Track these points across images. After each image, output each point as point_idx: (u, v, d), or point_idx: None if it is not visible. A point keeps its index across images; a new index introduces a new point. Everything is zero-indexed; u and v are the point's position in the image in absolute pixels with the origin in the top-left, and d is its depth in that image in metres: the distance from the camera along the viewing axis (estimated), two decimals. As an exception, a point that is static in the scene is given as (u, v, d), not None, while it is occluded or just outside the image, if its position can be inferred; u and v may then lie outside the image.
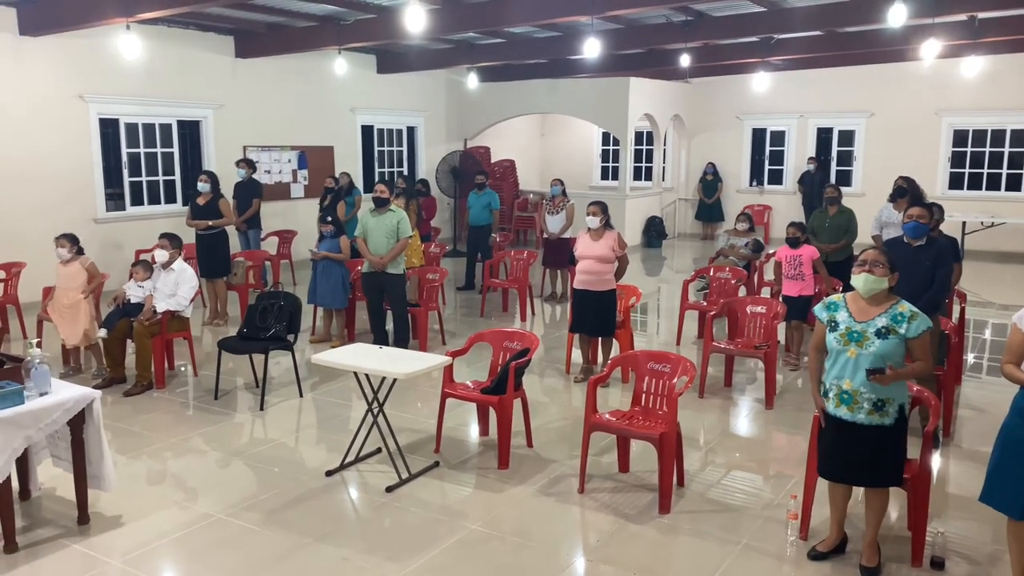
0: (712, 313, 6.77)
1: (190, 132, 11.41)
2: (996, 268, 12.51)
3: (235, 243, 10.28)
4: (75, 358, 6.98)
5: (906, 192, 7.67)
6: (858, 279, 3.78)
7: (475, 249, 10.88)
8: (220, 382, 6.53)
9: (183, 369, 7.17)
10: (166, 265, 6.76)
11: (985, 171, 14.33)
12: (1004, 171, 14.18)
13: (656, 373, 4.82)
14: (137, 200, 10.83)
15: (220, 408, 6.26)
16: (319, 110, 13.04)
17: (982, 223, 13.17)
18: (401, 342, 7.46)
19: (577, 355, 7.12)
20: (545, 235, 10.10)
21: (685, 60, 11.93)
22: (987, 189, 14.27)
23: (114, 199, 10.57)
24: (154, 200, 11.03)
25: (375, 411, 4.94)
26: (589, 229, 6.65)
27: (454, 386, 5.38)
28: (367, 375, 4.87)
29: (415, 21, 6.62)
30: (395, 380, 4.79)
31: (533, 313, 9.61)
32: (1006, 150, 14.13)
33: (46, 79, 9.53)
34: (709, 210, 16.36)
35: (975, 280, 10.46)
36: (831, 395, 3.83)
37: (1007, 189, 14.16)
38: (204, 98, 11.31)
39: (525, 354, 5.25)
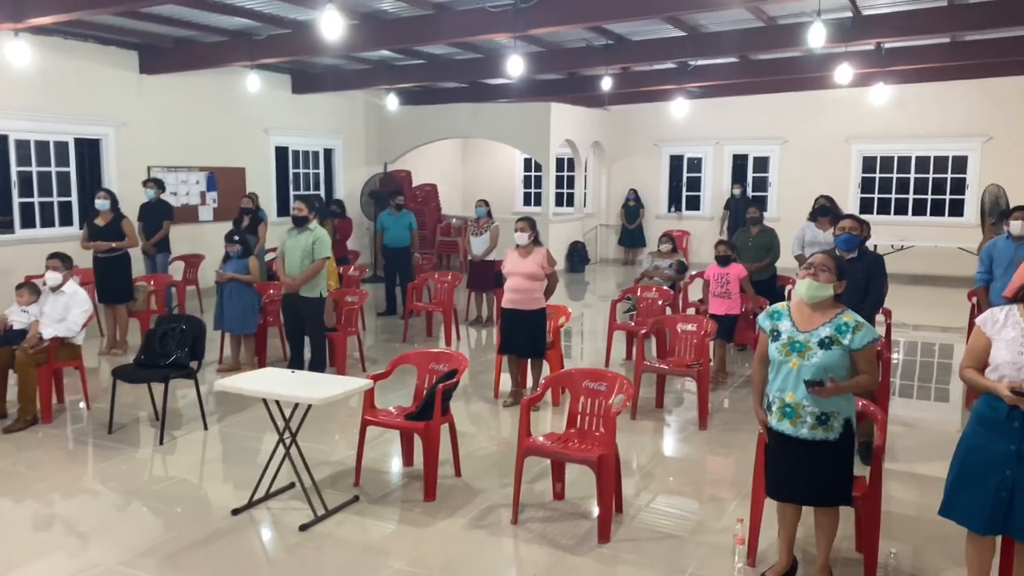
0: (643, 332, 6.59)
1: (89, 151, 10.70)
2: (906, 289, 12.86)
3: (139, 267, 9.62)
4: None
5: (829, 210, 7.72)
6: (802, 285, 3.62)
7: (394, 271, 10.50)
8: (115, 414, 5.95)
9: (79, 406, 6.51)
10: (56, 288, 6.16)
11: (893, 196, 14.81)
12: (911, 196, 14.68)
13: (592, 392, 4.56)
14: (28, 222, 10.04)
15: (115, 443, 5.69)
16: (230, 130, 12.48)
17: (892, 246, 13.56)
18: (318, 369, 7.01)
19: (506, 379, 6.82)
20: (470, 257, 9.82)
21: (606, 83, 11.93)
22: (895, 214, 14.74)
23: (1, 221, 9.77)
24: (47, 223, 10.25)
25: (287, 442, 4.51)
26: (517, 246, 6.40)
27: (375, 412, 5.00)
28: (278, 402, 4.45)
29: (331, 28, 6.28)
30: (309, 407, 4.38)
31: (459, 338, 9.27)
32: (912, 176, 14.65)
33: (-76, 90, 8.76)
34: (631, 235, 16.40)
35: (888, 301, 10.67)
36: (774, 408, 3.64)
37: (914, 214, 14.65)
38: (105, 115, 10.64)
39: (453, 376, 4.92)
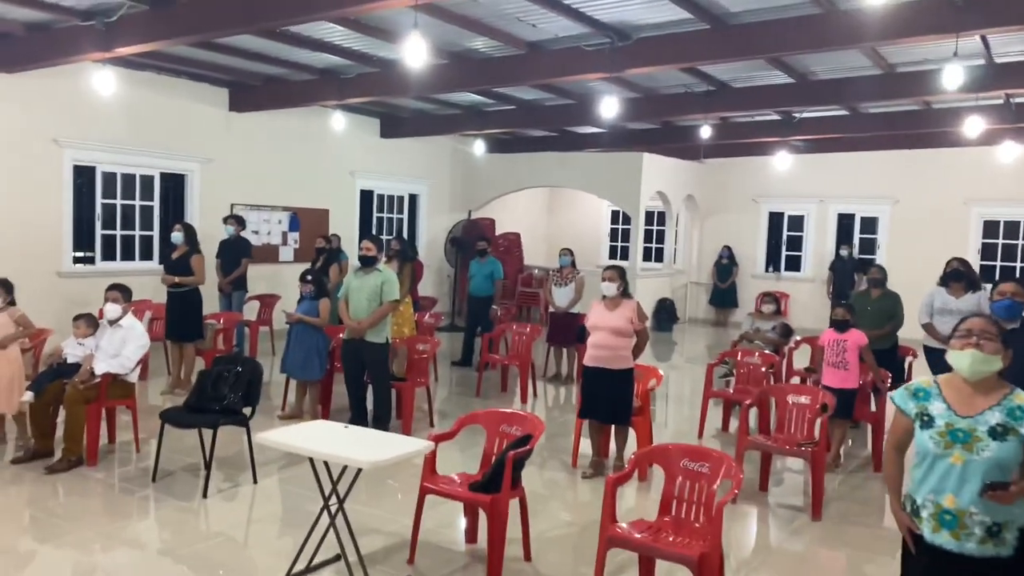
0: (748, 402, 5.79)
1: (174, 186, 10.66)
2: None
3: (214, 304, 9.38)
4: (21, 425, 5.95)
5: (963, 275, 6.80)
6: (961, 357, 2.84)
7: (475, 321, 9.96)
8: (163, 460, 5.51)
9: (129, 447, 6.12)
10: (114, 321, 5.83)
11: (1018, 264, 13.51)
12: (1040, 265, 13.37)
13: (692, 474, 3.82)
14: (109, 255, 9.98)
15: (160, 492, 5.24)
16: (316, 171, 12.33)
17: (1019, 319, 12.26)
18: (381, 422, 6.47)
19: (586, 445, 6.11)
20: (551, 309, 9.20)
21: (704, 132, 11.28)
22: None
23: (84, 252, 9.72)
24: (128, 255, 10.17)
25: (333, 509, 3.92)
26: (604, 297, 5.75)
27: (436, 479, 4.37)
28: (325, 462, 3.88)
29: (415, 57, 5.87)
30: (359, 470, 3.79)
31: (535, 395, 8.61)
32: (1041, 243, 13.35)
33: (19, 119, 8.81)
34: (723, 295, 15.50)
35: None
36: (925, 515, 2.84)
37: (1043, 284, 13.29)
38: (192, 151, 10.60)
39: (526, 442, 4.26)
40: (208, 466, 5.25)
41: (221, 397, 5.30)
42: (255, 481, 5.43)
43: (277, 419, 7.04)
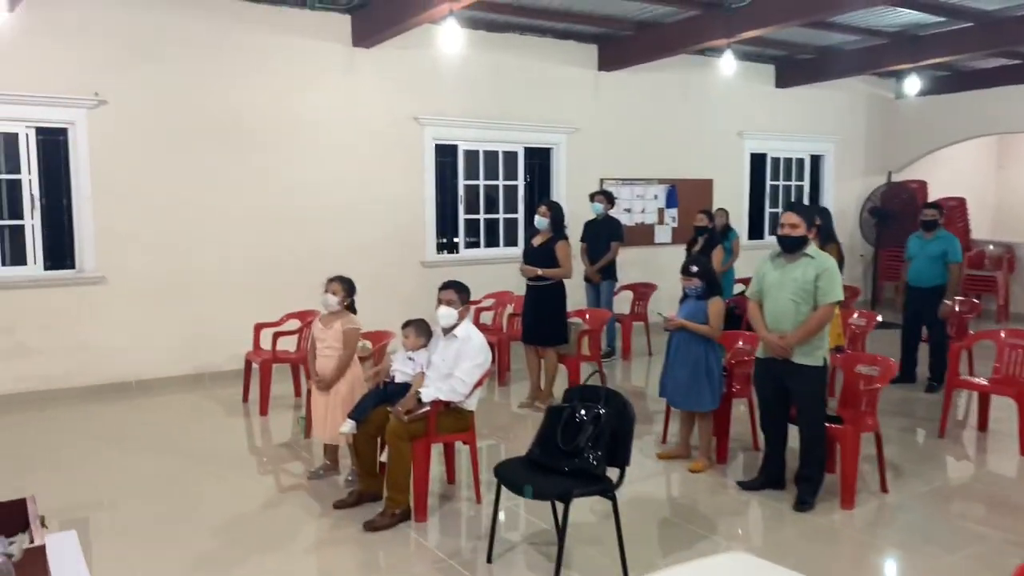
0: None
1: (539, 161, 9.45)
2: None
3: (579, 297, 7.95)
4: (332, 453, 4.98)
5: None
6: None
7: (916, 321, 7.19)
8: (502, 527, 4.01)
9: (468, 491, 4.76)
10: (449, 329, 4.46)
11: None
12: None
13: None
14: (472, 240, 9.08)
15: (496, 576, 3.72)
16: (697, 134, 10.34)
17: None
18: (810, 483, 4.33)
19: None
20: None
21: None
22: None
23: (446, 238, 8.91)
24: (492, 241, 9.19)
25: None
26: None
27: None
28: None
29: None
30: None
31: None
32: None
33: (379, 98, 8.15)
34: None
35: None
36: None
37: None
38: (559, 120, 9.28)
39: None
40: (558, 553, 3.57)
41: (576, 451, 3.59)
42: (625, 574, 3.64)
43: (656, 457, 5.24)
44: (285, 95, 7.64)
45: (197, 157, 7.25)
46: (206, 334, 7.34)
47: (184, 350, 7.29)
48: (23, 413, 6.35)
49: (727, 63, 8.31)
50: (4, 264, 6.68)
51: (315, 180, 7.83)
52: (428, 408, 4.25)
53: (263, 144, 7.56)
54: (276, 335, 6.50)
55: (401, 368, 4.60)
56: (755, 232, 11.11)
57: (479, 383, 4.41)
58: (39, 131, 6.70)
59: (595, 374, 4.15)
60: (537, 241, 6.43)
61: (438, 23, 7.88)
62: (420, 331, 4.64)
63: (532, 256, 6.39)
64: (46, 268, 6.83)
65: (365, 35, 7.81)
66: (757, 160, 11.13)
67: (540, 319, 6.36)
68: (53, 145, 6.78)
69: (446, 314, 4.47)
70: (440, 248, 8.80)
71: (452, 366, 4.38)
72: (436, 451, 4.45)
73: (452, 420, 4.39)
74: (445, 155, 8.75)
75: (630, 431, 3.61)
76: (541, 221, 6.39)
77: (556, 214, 6.41)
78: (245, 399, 6.68)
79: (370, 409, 4.44)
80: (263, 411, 6.31)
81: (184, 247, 7.25)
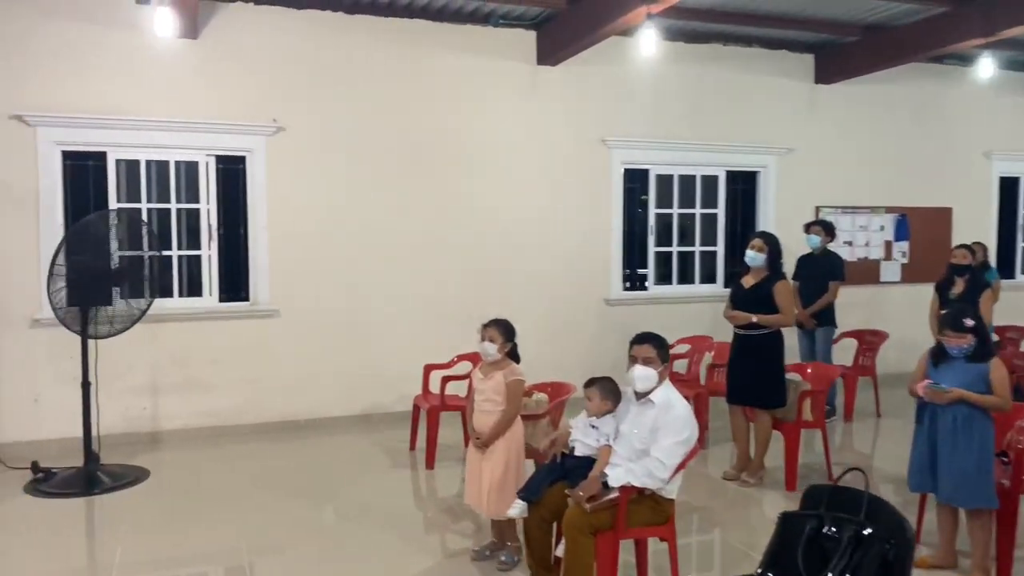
0: None
1: (743, 187, 8.35)
2: None
3: (789, 344, 6.75)
4: (498, 529, 4.20)
5: None
6: None
7: None
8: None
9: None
10: (643, 394, 3.57)
11: None
12: None
13: None
14: (663, 276, 8.10)
15: None
16: (933, 155, 8.79)
17: None
18: None
19: None
20: None
21: None
22: None
23: (631, 272, 8.00)
24: (686, 277, 8.17)
25: None
26: None
27: None
28: None
29: None
30: None
31: None
32: None
33: (563, 119, 7.44)
34: None
35: None
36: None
37: None
38: (767, 140, 8.15)
39: None
40: None
41: (824, 585, 2.56)
42: None
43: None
44: (464, 119, 7.12)
45: (372, 186, 6.86)
46: (376, 373, 6.88)
47: (354, 389, 6.87)
48: (191, 451, 6.13)
49: (984, 69, 6.86)
50: (180, 295, 6.55)
51: (492, 209, 7.23)
52: (616, 495, 3.37)
53: (440, 172, 7.06)
54: (445, 379, 5.88)
55: (582, 438, 3.74)
56: (1004, 270, 9.31)
57: (682, 465, 3.47)
58: (219, 159, 6.55)
59: (852, 472, 3.01)
60: (749, 281, 5.38)
61: (630, 35, 7.13)
62: (606, 393, 3.76)
63: (744, 299, 5.34)
64: (221, 300, 6.65)
65: (551, 52, 7.15)
66: (1008, 185, 9.35)
67: (752, 375, 5.28)
68: (232, 174, 6.62)
69: (643, 376, 3.58)
70: (627, 284, 7.91)
71: (648, 441, 3.47)
72: (626, 547, 3.56)
73: (647, 510, 3.47)
74: (634, 180, 7.89)
75: (907, 563, 2.54)
76: (755, 257, 5.34)
77: (773, 249, 5.35)
78: (412, 446, 6.11)
79: (544, 487, 3.62)
80: (429, 463, 5.69)
81: (356, 280, 6.86)
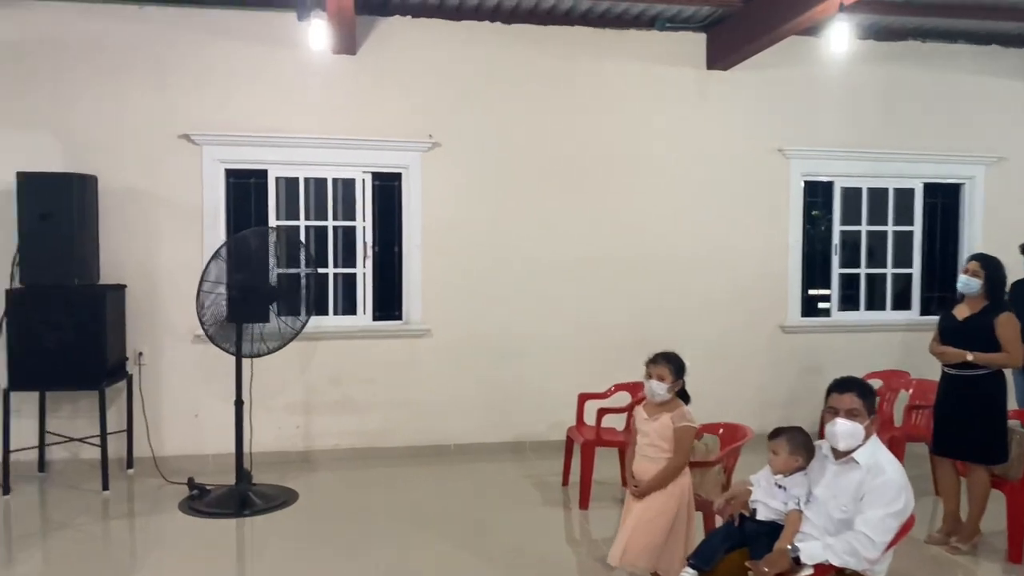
0: None
1: (943, 201, 7.35)
2: None
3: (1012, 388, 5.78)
4: (655, 588, 3.70)
5: None
6: None
7: None
8: None
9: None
10: (845, 454, 2.96)
11: None
12: None
13: None
14: (848, 300, 7.25)
15: None
16: None
17: None
18: None
19: None
20: None
21: None
22: None
23: (812, 296, 7.22)
24: (875, 303, 7.27)
25: None
26: None
27: None
28: None
29: None
30: None
31: None
32: None
33: (735, 128, 6.81)
34: None
35: None
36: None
37: None
38: (974, 148, 7.14)
39: None
40: None
41: None
42: None
43: None
44: (626, 130, 6.67)
45: (527, 202, 6.54)
46: (528, 398, 6.53)
47: (504, 414, 6.55)
48: (340, 472, 6.01)
49: None
50: (336, 313, 6.48)
51: (655, 226, 6.71)
52: (809, 573, 2.78)
53: (600, 187, 6.64)
54: (601, 411, 5.41)
55: (765, 499, 3.16)
56: None
57: (894, 541, 2.83)
58: (375, 176, 6.45)
59: None
60: (963, 312, 4.56)
61: (813, 34, 6.45)
62: (796, 447, 3.17)
63: (956, 332, 4.52)
64: (375, 318, 6.52)
65: (722, 55, 6.58)
66: None
67: (966, 423, 4.44)
68: (387, 191, 6.51)
69: (848, 432, 2.97)
70: (806, 309, 7.13)
71: (851, 510, 2.86)
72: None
73: (851, 596, 2.86)
74: (815, 194, 7.12)
75: None
76: (968, 283, 4.52)
77: (993, 274, 4.50)
78: (565, 482, 5.68)
79: (720, 555, 3.09)
80: (583, 504, 5.23)
81: (509, 300, 6.54)
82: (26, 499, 5.38)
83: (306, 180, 6.37)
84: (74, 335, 5.32)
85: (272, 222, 6.25)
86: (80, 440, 5.72)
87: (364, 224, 6.45)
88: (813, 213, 7.17)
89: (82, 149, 5.88)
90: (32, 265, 5.35)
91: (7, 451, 5.40)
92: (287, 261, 5.81)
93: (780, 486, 3.14)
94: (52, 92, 5.87)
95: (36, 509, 5.31)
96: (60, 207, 5.36)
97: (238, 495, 5.23)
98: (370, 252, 6.47)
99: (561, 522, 5.23)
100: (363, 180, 6.42)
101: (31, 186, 5.34)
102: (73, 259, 5.44)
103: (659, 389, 3.54)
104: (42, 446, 5.82)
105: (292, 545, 4.64)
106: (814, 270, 7.14)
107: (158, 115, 6.00)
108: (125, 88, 5.96)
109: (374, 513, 5.17)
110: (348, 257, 6.48)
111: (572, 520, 5.22)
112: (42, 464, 5.83)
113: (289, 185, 6.36)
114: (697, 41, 6.73)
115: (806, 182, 6.99)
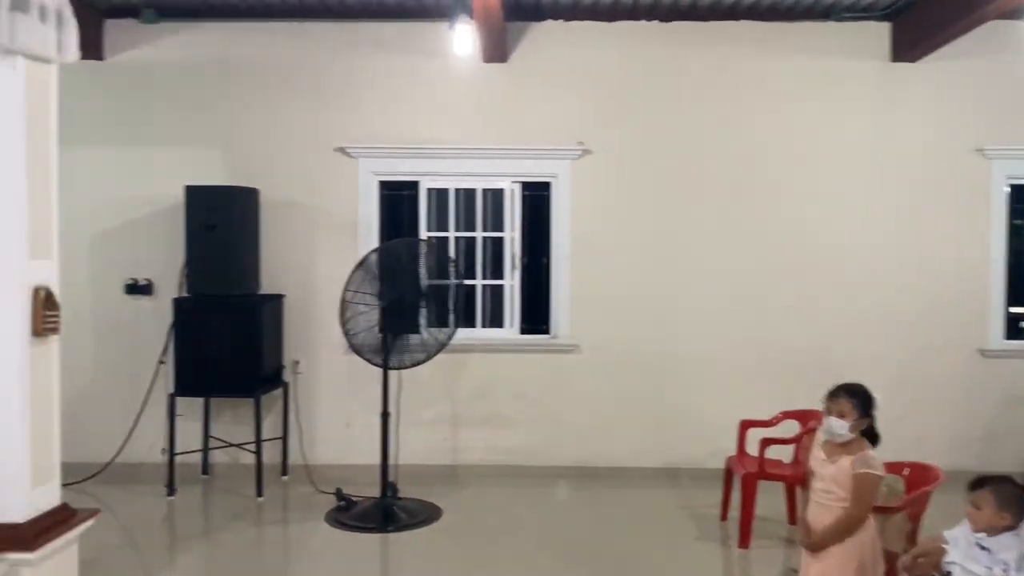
0: None
1: None
2: None
3: None
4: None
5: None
6: None
7: None
8: None
9: None
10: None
11: None
12: None
13: None
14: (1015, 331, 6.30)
15: None
16: None
17: None
18: None
19: None
20: None
21: None
22: None
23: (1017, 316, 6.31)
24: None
25: None
26: None
27: None
28: None
29: None
30: None
31: None
32: None
33: (926, 126, 6.08)
34: None
35: None
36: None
37: None
38: None
39: None
40: None
41: None
42: None
43: None
44: (798, 131, 6.12)
45: (683, 210, 6.14)
46: (684, 421, 6.11)
47: (658, 438, 6.15)
48: (485, 489, 5.84)
49: None
50: (484, 325, 6.35)
51: (831, 236, 6.10)
52: (1024, 662, 2.25)
53: (766, 193, 6.13)
54: (765, 440, 4.89)
55: (964, 562, 2.62)
56: None
57: None
58: (524, 186, 6.28)
59: None
60: None
61: (1020, 16, 5.62)
62: (1004, 502, 2.61)
63: None
64: (522, 331, 6.33)
65: (910, 45, 5.89)
66: None
67: None
68: (536, 201, 6.31)
69: (839, 426, 2.43)
70: (1010, 331, 6.23)
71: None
72: None
73: None
74: (1020, 200, 6.22)
75: None
76: None
77: None
78: (723, 516, 5.20)
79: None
80: (743, 542, 4.74)
81: (663, 315, 6.15)
82: (188, 501, 5.60)
83: (456, 191, 6.30)
84: (231, 343, 5.48)
85: (423, 233, 6.22)
86: (238, 446, 5.91)
87: (512, 235, 6.29)
88: (1016, 222, 6.28)
89: (244, 163, 6.11)
90: (197, 275, 5.58)
91: (172, 453, 5.64)
92: (437, 272, 5.73)
93: (983, 547, 2.60)
94: (218, 109, 6.14)
95: (196, 512, 5.52)
96: (224, 219, 5.57)
97: (383, 509, 5.18)
98: (518, 263, 6.30)
99: (719, 561, 4.77)
100: (512, 190, 6.26)
101: (197, 199, 5.57)
102: (235, 269, 5.63)
103: (839, 428, 3.03)
104: (206, 450, 6.06)
105: (432, 567, 4.52)
106: (1019, 286, 6.23)
107: (315, 128, 6.13)
108: (284, 102, 6.14)
109: (517, 538, 4.94)
110: (496, 268, 6.34)
111: (731, 559, 4.76)
112: (205, 467, 6.08)
113: (439, 196, 6.31)
114: (880, 31, 6.07)
115: (1011, 186, 6.12)
